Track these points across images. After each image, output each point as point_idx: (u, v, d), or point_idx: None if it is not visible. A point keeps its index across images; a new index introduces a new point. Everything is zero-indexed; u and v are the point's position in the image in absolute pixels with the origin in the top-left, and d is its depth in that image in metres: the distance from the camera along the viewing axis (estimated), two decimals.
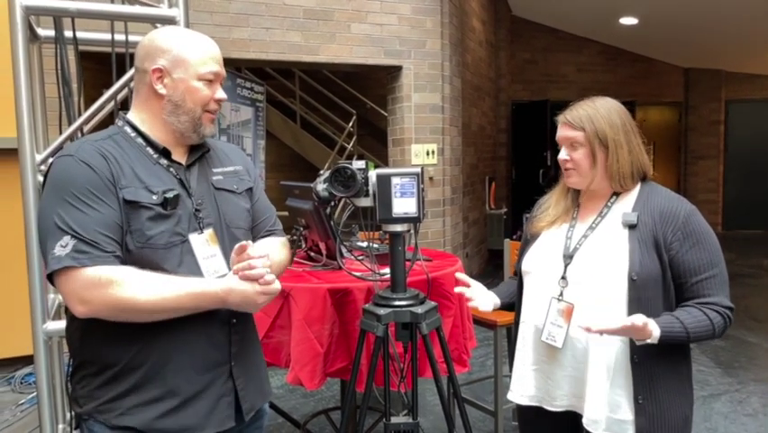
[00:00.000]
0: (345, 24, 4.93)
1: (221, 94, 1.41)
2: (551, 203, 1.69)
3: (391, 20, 5.10)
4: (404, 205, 1.81)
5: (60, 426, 2.01)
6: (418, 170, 1.82)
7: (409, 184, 1.80)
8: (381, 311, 1.84)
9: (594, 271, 1.48)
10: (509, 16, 8.66)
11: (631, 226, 1.48)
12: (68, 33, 2.05)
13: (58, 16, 2.00)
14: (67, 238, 1.21)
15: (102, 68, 2.63)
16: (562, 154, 1.58)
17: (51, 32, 2.05)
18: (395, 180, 1.80)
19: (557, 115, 1.60)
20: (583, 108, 1.55)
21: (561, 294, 1.53)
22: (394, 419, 1.93)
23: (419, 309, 1.85)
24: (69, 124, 2.00)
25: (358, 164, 1.83)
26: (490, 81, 8.08)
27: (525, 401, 1.63)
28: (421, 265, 2.04)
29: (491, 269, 7.39)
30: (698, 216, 1.50)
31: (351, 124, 8.03)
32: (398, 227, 1.84)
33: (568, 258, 1.54)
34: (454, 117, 5.71)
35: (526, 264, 1.65)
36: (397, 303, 1.86)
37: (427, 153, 5.33)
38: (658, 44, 9.07)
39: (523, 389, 1.64)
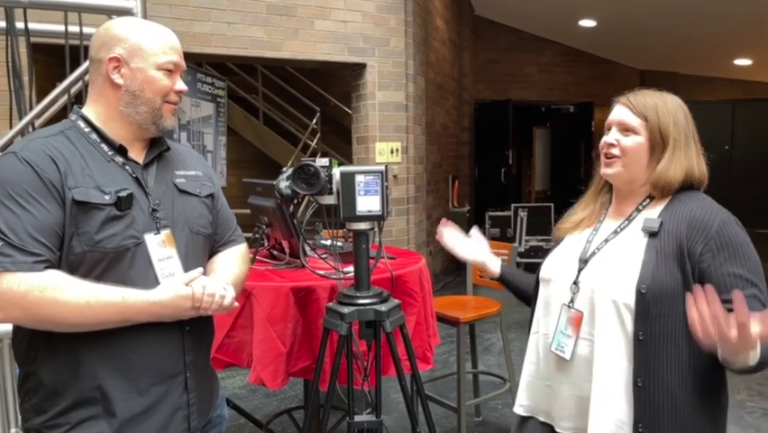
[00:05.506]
0: (309, 20, 4.90)
1: (181, 85, 1.36)
2: (580, 206, 1.53)
3: (355, 17, 5.09)
4: (368, 203, 1.81)
5: (13, 430, 1.94)
6: (382, 168, 1.82)
7: (373, 182, 1.80)
8: (345, 310, 1.83)
9: (603, 278, 1.33)
10: (472, 16, 8.74)
11: (652, 234, 1.31)
12: (19, 25, 1.98)
13: (9, 7, 1.93)
14: None
15: (55, 60, 2.55)
16: (609, 137, 1.38)
17: (2, 24, 1.97)
18: (359, 178, 1.80)
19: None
20: (650, 96, 1.37)
21: (571, 301, 1.39)
22: (357, 418, 1.93)
23: (383, 307, 1.85)
24: (20, 118, 1.93)
25: (321, 162, 1.81)
26: (454, 80, 8.15)
27: (522, 412, 1.51)
28: (385, 263, 2.04)
29: (454, 266, 7.46)
30: (734, 227, 1.29)
31: (314, 121, 7.99)
32: (362, 225, 1.84)
33: (583, 262, 1.39)
34: (418, 116, 5.74)
35: (544, 271, 1.50)
36: (360, 301, 1.85)
37: (391, 151, 5.34)
38: (616, 46, 9.30)
39: (528, 402, 1.51)
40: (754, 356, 1.10)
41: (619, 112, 1.38)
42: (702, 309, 1.07)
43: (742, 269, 1.25)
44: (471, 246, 1.72)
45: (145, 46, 1.30)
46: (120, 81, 1.30)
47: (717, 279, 1.24)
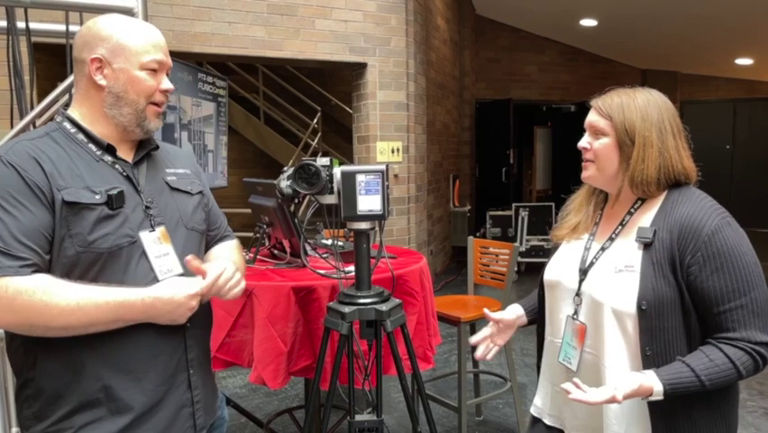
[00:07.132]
0: (310, 20, 4.90)
1: (167, 84, 1.33)
2: (572, 207, 1.51)
3: (356, 16, 5.09)
4: (369, 202, 1.80)
5: (14, 430, 1.94)
6: (383, 167, 1.81)
7: (374, 181, 1.80)
8: (346, 309, 1.83)
9: (604, 292, 1.32)
10: (473, 15, 8.74)
11: (646, 244, 1.28)
12: (20, 24, 1.98)
13: (10, 6, 1.93)
14: None
15: (56, 60, 2.56)
16: (582, 141, 1.38)
17: (3, 23, 1.97)
18: (360, 178, 1.80)
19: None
20: (618, 96, 1.34)
21: (575, 313, 1.39)
22: (358, 417, 1.93)
23: (384, 307, 1.85)
24: (21, 117, 1.93)
25: (322, 161, 1.81)
26: (454, 79, 8.14)
27: (534, 412, 1.55)
28: (386, 263, 2.03)
29: (455, 266, 7.46)
30: (726, 233, 1.24)
31: (315, 120, 7.98)
32: (363, 225, 1.84)
33: (582, 273, 1.38)
34: (419, 115, 5.74)
35: (547, 276, 1.50)
36: (361, 301, 1.85)
37: (392, 151, 5.34)
38: (616, 46, 9.28)
39: (541, 404, 1.54)
40: (657, 394, 1.18)
41: (590, 114, 1.37)
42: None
43: (728, 279, 1.22)
44: (503, 331, 1.57)
45: (128, 45, 1.27)
46: (103, 82, 1.27)
47: (703, 292, 1.23)
